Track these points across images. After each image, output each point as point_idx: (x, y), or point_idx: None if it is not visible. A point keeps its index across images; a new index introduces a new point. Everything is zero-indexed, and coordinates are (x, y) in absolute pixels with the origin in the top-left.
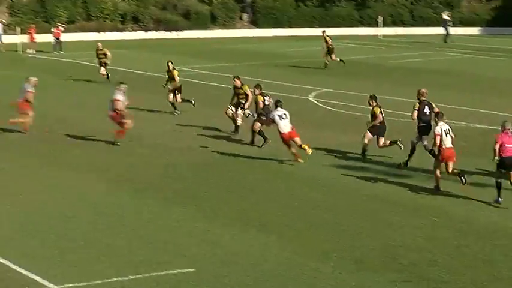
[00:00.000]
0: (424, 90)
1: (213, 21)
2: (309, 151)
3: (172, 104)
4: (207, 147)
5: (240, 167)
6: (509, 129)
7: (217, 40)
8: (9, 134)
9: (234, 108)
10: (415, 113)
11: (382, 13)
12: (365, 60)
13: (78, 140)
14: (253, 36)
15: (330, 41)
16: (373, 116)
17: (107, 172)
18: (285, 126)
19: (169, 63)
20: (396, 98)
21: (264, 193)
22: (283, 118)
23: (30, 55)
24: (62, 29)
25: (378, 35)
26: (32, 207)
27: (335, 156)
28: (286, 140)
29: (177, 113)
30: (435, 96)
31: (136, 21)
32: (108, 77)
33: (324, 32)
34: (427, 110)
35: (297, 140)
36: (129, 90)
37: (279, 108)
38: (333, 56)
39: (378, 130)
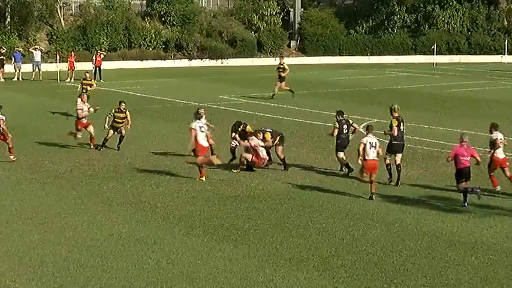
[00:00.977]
0: (396, 106)
1: (259, 48)
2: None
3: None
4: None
5: (290, 200)
6: (465, 142)
7: (264, 68)
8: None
9: None
10: (396, 130)
11: (437, 40)
12: (418, 89)
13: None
14: (302, 64)
15: (287, 70)
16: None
17: (156, 208)
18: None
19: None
20: (451, 129)
21: (317, 230)
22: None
23: (68, 83)
24: (102, 56)
25: (432, 63)
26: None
27: (388, 189)
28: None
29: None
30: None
31: (180, 49)
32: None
33: (281, 58)
34: (401, 127)
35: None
36: (161, 121)
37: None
38: (283, 84)
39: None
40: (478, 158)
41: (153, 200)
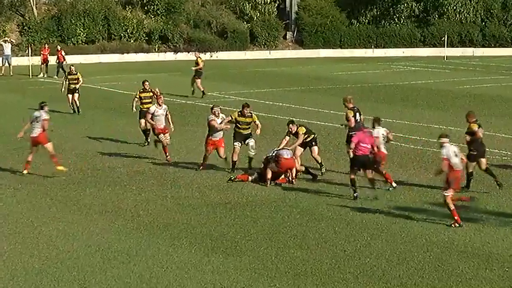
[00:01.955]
0: (349, 97)
1: (252, 40)
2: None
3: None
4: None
5: (280, 209)
6: (368, 129)
7: (257, 62)
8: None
9: None
10: (352, 120)
11: (447, 32)
12: (427, 85)
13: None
14: (299, 58)
15: (201, 64)
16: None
17: (138, 217)
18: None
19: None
20: (464, 129)
21: (316, 241)
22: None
23: (41, 79)
24: (63, 52)
25: (442, 56)
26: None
27: (395, 196)
28: None
29: (145, 144)
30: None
31: (165, 41)
32: (78, 110)
33: (197, 53)
34: (357, 117)
35: None
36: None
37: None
38: (199, 82)
39: None
40: (375, 149)
41: (135, 208)
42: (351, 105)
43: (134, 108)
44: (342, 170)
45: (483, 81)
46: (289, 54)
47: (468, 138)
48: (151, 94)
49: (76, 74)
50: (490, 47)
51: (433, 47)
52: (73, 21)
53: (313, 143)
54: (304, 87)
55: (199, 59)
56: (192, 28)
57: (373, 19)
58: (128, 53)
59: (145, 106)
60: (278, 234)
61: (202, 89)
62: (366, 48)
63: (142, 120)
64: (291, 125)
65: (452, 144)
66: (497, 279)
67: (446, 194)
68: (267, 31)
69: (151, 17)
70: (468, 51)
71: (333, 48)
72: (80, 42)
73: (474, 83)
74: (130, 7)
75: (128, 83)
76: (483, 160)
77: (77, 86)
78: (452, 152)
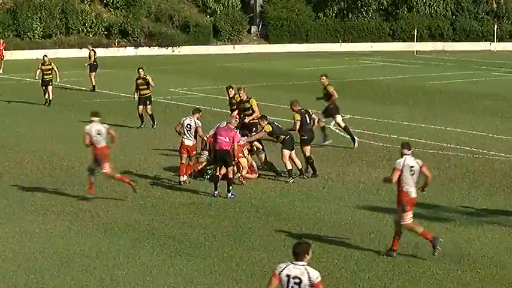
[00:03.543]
0: (295, 100)
1: (215, 35)
2: None
3: (141, 116)
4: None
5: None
6: (230, 123)
7: (221, 57)
8: None
9: None
10: (298, 124)
11: (417, 25)
12: (396, 82)
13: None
14: (264, 53)
15: (93, 58)
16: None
17: (98, 217)
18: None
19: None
20: (434, 126)
21: (282, 242)
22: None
23: None
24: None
25: (412, 50)
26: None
27: (364, 195)
28: None
29: (142, 126)
30: (489, 124)
31: (125, 36)
32: (49, 103)
33: (89, 46)
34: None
35: None
36: (104, 117)
37: None
38: (93, 76)
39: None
40: (235, 145)
41: (94, 208)
42: (297, 108)
43: (135, 97)
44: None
45: (454, 77)
46: (254, 49)
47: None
48: (147, 81)
49: (50, 64)
50: (460, 41)
51: (403, 41)
52: (29, 15)
53: (284, 145)
54: (269, 83)
55: (92, 52)
56: (153, 22)
57: (340, 12)
58: (86, 47)
59: (141, 92)
60: (243, 236)
61: (93, 84)
62: (333, 42)
63: (141, 107)
64: (259, 120)
65: (413, 158)
66: (470, 281)
67: (404, 223)
68: (230, 25)
69: (110, 11)
70: (438, 46)
71: (299, 43)
72: (37, 36)
73: (445, 78)
74: (88, 0)
75: (87, 79)
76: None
77: (53, 79)
78: (407, 167)
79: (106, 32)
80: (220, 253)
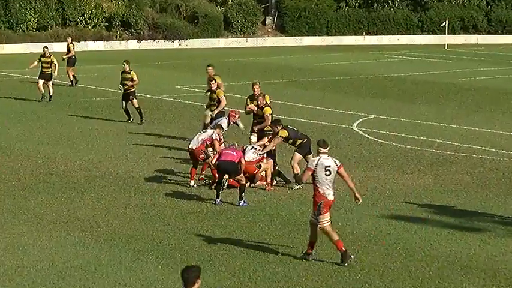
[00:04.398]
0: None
1: (227, 26)
2: None
3: (126, 111)
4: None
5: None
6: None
7: (233, 51)
8: None
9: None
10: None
11: (448, 16)
12: (425, 78)
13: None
14: (280, 46)
15: (73, 51)
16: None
17: (97, 228)
18: None
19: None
20: (467, 127)
21: (300, 255)
22: None
23: None
24: None
25: (443, 44)
26: None
27: (390, 203)
28: None
29: (129, 121)
30: None
31: (127, 27)
32: (50, 98)
33: (69, 38)
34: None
35: None
36: (103, 118)
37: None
38: (70, 71)
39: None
40: (242, 160)
41: (93, 218)
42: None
43: (120, 88)
44: None
45: (489, 73)
46: (269, 42)
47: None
48: (131, 76)
49: (50, 57)
50: (496, 34)
51: (432, 33)
52: (22, 5)
53: (300, 148)
54: (285, 79)
55: (70, 45)
56: (158, 12)
57: (364, 2)
58: (84, 40)
59: (124, 88)
60: (257, 248)
61: (72, 79)
62: (356, 35)
63: (124, 102)
64: (273, 126)
65: (330, 157)
66: None
67: (320, 226)
68: (243, 16)
69: (111, 0)
70: (472, 39)
71: (318, 35)
72: (31, 28)
73: (478, 74)
74: None
75: (85, 75)
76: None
77: (54, 73)
78: (321, 166)
79: (106, 24)
80: (231, 267)
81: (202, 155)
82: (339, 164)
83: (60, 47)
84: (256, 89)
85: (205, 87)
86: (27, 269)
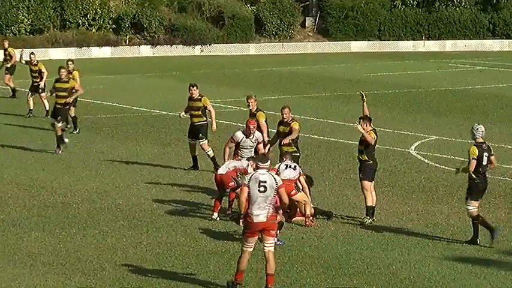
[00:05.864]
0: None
1: (259, 29)
2: None
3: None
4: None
5: None
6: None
7: (265, 59)
8: None
9: None
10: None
11: None
12: (498, 91)
13: None
14: (322, 53)
15: (14, 57)
16: None
17: (102, 271)
18: None
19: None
20: None
21: None
22: None
23: None
24: None
25: None
26: None
27: (454, 242)
28: None
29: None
30: None
31: (139, 30)
32: (46, 113)
33: (5, 41)
34: None
35: None
36: (109, 138)
37: None
38: (8, 79)
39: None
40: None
41: (97, 258)
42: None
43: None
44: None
45: None
46: (310, 48)
47: None
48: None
49: (37, 64)
50: None
51: (506, 38)
52: (14, 4)
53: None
54: (329, 92)
55: (10, 49)
56: (175, 13)
57: (424, 1)
58: (88, 46)
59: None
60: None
61: (12, 86)
62: (414, 40)
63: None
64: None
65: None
66: None
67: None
68: (278, 16)
69: None
70: None
71: (369, 40)
72: (24, 31)
73: None
74: None
75: (87, 87)
76: None
77: (41, 84)
78: (255, 181)
79: (114, 26)
80: None
81: (232, 183)
82: (280, 182)
83: (58, 53)
84: (255, 107)
85: (233, 102)
86: None
